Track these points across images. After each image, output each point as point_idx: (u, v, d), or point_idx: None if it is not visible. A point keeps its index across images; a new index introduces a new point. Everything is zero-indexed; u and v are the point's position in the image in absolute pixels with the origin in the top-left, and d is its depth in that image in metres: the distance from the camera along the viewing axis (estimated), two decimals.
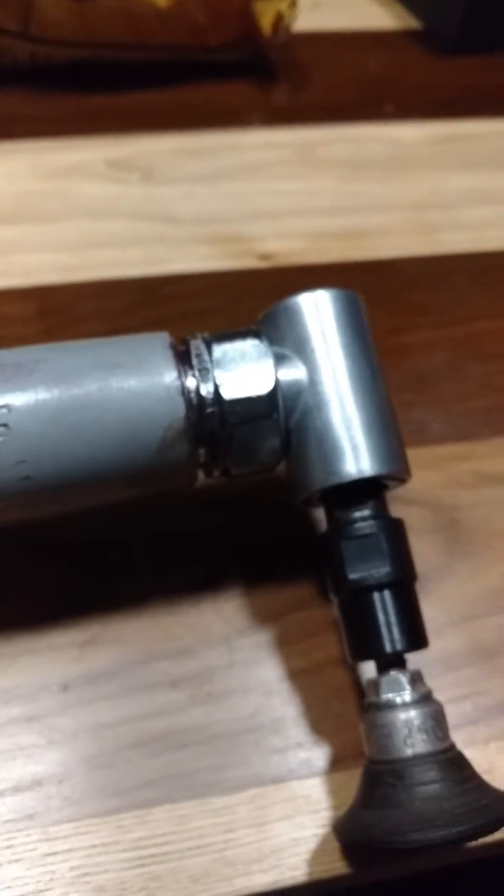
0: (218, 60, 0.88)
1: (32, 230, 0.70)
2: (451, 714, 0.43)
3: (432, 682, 0.43)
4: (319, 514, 0.47)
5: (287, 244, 0.72)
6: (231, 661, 0.49)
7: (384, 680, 0.42)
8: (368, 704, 0.42)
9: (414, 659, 0.43)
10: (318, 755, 0.46)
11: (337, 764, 0.46)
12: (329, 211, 0.76)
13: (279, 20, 0.85)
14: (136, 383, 0.42)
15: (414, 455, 0.47)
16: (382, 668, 0.42)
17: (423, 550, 0.53)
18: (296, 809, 0.44)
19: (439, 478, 0.58)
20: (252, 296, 0.53)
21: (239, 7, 0.84)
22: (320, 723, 0.47)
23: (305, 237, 0.73)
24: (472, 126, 0.87)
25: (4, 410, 0.41)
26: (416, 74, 0.93)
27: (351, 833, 0.41)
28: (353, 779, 0.43)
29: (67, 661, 0.48)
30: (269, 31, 0.85)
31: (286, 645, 0.49)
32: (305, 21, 0.90)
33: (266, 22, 0.85)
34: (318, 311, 0.46)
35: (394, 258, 0.73)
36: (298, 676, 0.48)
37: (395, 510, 0.45)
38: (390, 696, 0.41)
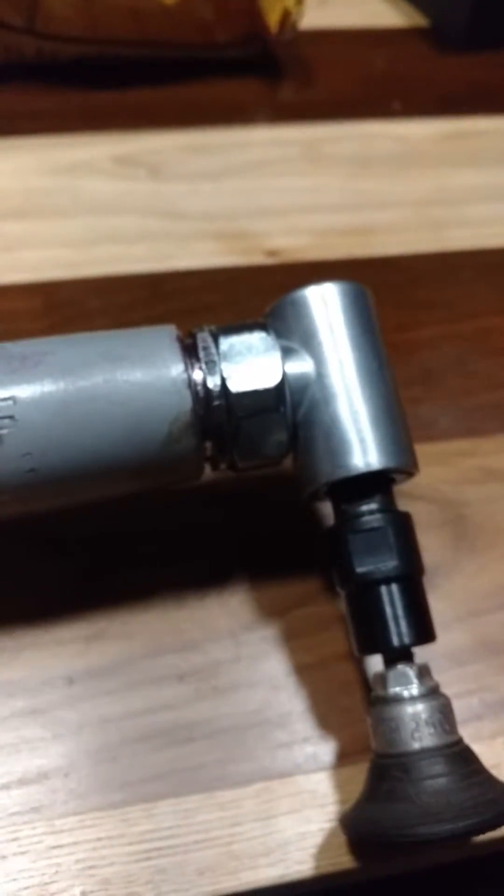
0: (225, 57, 0.88)
1: (39, 226, 0.70)
2: (458, 709, 0.42)
3: (439, 677, 0.43)
4: (326, 509, 0.47)
5: (293, 241, 0.72)
6: (237, 656, 0.48)
7: (391, 673, 0.42)
8: (375, 698, 0.42)
9: (421, 654, 0.43)
10: (325, 749, 0.46)
11: (344, 758, 0.46)
12: (335, 207, 0.76)
13: (286, 17, 0.85)
14: (143, 376, 0.42)
15: (421, 450, 0.46)
16: (390, 662, 0.42)
17: (430, 546, 0.53)
18: (302, 804, 0.44)
19: (446, 473, 0.57)
20: (258, 292, 0.53)
21: (246, 4, 0.84)
22: (327, 717, 0.47)
23: (312, 234, 0.73)
24: (479, 123, 0.87)
25: (10, 402, 0.41)
26: (423, 71, 0.93)
27: (357, 827, 0.41)
28: (359, 773, 0.43)
29: (73, 655, 0.48)
30: (276, 29, 0.85)
31: (292, 639, 0.49)
32: (312, 18, 0.90)
33: (273, 19, 0.85)
34: (325, 303, 0.45)
35: (400, 255, 0.73)
36: (305, 671, 0.48)
37: (402, 505, 0.45)
38: (398, 689, 0.41)
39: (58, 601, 0.49)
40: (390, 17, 1.01)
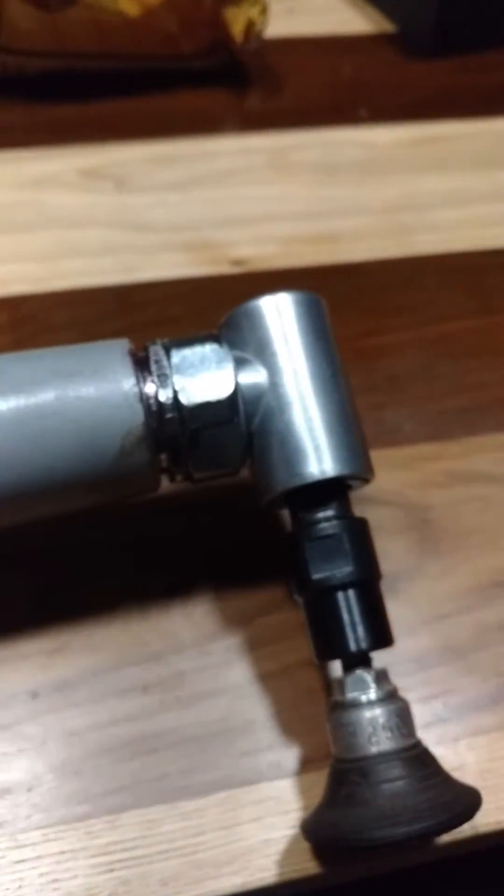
0: (191, 68, 0.88)
1: (5, 240, 0.71)
2: (422, 713, 0.43)
3: (404, 680, 0.43)
4: (286, 516, 0.47)
5: (260, 250, 0.72)
6: (201, 666, 0.49)
7: (349, 679, 0.42)
8: (334, 703, 0.42)
9: (385, 658, 0.43)
10: (288, 757, 0.46)
11: (307, 765, 0.46)
12: (302, 215, 0.76)
13: (250, 27, 0.85)
14: (94, 391, 0.42)
15: (386, 455, 0.47)
16: (348, 668, 0.42)
17: (395, 550, 0.53)
18: (266, 811, 0.44)
19: (411, 478, 0.58)
20: (225, 301, 0.53)
21: (210, 15, 0.84)
22: (290, 724, 0.47)
23: (278, 242, 0.73)
24: (445, 128, 0.87)
25: None
26: (390, 77, 0.94)
27: (317, 832, 0.41)
28: (322, 780, 0.43)
29: (37, 669, 0.48)
30: (241, 38, 0.85)
31: (256, 648, 0.49)
32: (280, 26, 0.91)
33: (237, 29, 0.85)
34: (279, 313, 0.46)
35: (366, 261, 0.73)
36: (269, 679, 0.48)
37: (367, 510, 0.45)
38: (355, 694, 0.41)
39: (21, 615, 0.49)
40: (358, 24, 1.01)
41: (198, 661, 0.49)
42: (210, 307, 0.64)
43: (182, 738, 0.46)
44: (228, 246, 0.72)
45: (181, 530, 0.54)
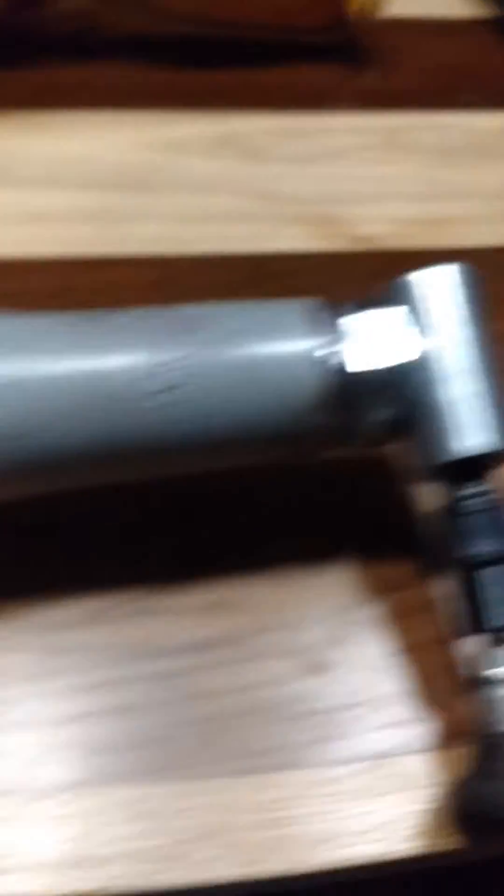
0: (309, 42, 0.84)
1: (149, 200, 0.69)
2: None
3: None
4: (433, 490, 0.46)
5: (378, 228, 0.70)
6: (338, 637, 0.48)
7: (492, 655, 0.41)
8: (476, 679, 0.41)
9: None
10: (420, 732, 0.45)
11: (439, 741, 0.45)
12: (415, 197, 0.74)
13: (367, 4, 0.82)
14: (278, 349, 0.42)
15: None
16: (491, 643, 0.41)
17: None
18: (400, 785, 0.43)
19: None
20: (348, 278, 0.51)
21: None
22: (424, 700, 0.46)
23: (394, 222, 0.71)
24: None
25: (187, 362, 0.41)
26: (496, 62, 0.90)
27: (460, 803, 0.40)
28: (455, 756, 0.42)
29: (191, 626, 0.47)
30: (358, 15, 0.82)
31: (392, 622, 0.48)
32: (391, 7, 0.87)
33: (355, 6, 0.81)
34: (441, 285, 0.45)
35: (475, 247, 0.70)
36: (403, 653, 0.47)
37: None
38: (497, 670, 0.40)
39: (179, 570, 0.49)
40: (464, 8, 0.96)
41: (335, 631, 0.48)
42: (336, 282, 0.62)
43: (322, 707, 0.45)
44: (348, 222, 0.70)
45: (330, 499, 0.52)
